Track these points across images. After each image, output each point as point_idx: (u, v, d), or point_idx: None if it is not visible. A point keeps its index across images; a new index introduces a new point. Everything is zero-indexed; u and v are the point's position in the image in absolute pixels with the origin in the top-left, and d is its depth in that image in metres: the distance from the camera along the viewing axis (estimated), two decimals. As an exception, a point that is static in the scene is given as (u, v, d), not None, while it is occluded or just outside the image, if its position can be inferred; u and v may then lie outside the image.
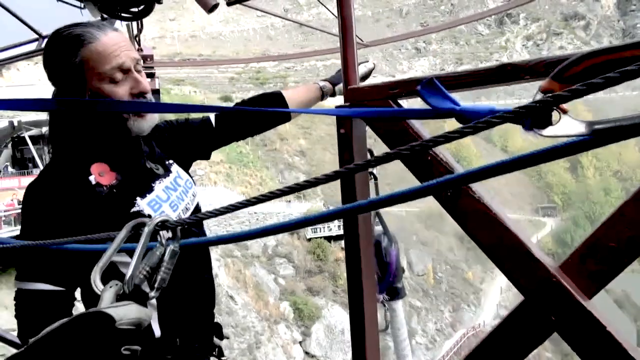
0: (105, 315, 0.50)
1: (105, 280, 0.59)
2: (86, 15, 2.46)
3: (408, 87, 1.18)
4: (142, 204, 1.19)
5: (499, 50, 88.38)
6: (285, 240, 31.80)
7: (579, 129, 0.44)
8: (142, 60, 1.27)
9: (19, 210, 18.91)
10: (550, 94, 0.39)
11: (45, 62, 1.17)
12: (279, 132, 51.98)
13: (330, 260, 31.65)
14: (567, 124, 0.45)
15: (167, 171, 1.31)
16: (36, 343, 0.48)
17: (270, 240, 31.05)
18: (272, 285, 28.57)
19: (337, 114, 1.06)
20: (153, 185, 1.24)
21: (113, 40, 1.14)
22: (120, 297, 0.56)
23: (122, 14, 2.39)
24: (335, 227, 32.89)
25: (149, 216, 1.17)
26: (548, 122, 0.44)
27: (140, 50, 2.51)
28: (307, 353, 26.95)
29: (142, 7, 2.42)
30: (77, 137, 1.19)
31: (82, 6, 2.32)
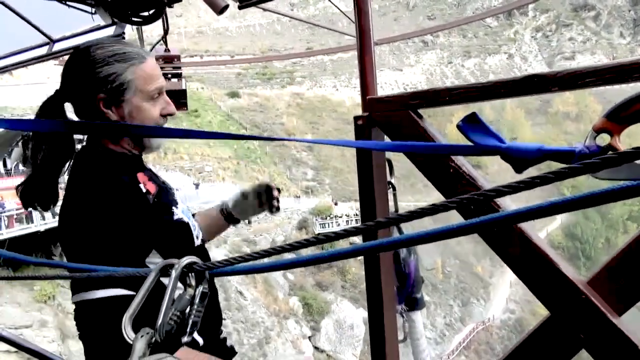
0: (141, 372, 0.48)
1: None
2: (97, 20, 2.45)
3: (429, 97, 1.15)
4: (179, 213, 1.25)
5: (507, 43, 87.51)
6: (294, 235, 31.85)
7: (637, 172, 0.41)
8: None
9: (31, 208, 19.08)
10: (615, 153, 0.36)
11: (81, 70, 1.17)
12: (287, 127, 51.97)
13: (338, 255, 31.67)
14: (626, 167, 0.42)
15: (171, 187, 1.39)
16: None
17: (279, 236, 31.13)
18: (281, 281, 28.67)
19: (366, 147, 1.03)
20: (175, 197, 1.31)
21: (155, 64, 1.26)
22: (152, 346, 0.55)
23: (133, 19, 2.38)
24: (343, 223, 32.90)
25: (188, 225, 1.26)
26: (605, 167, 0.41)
27: (167, 50, 2.53)
28: (316, 348, 27.06)
29: (152, 11, 2.41)
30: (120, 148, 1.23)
31: (93, 11, 2.31)
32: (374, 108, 1.22)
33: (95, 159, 1.18)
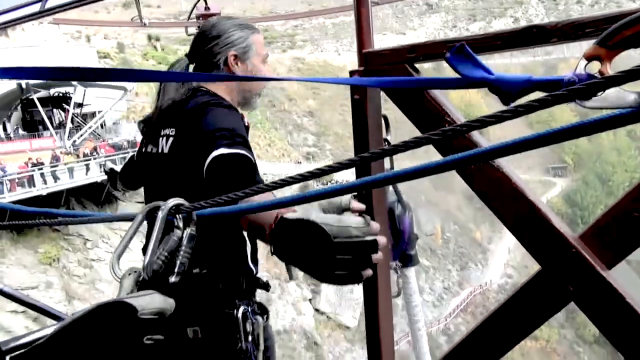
0: (127, 305, 0.49)
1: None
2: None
3: (426, 50, 1.13)
4: None
5: (513, 6, 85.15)
6: (295, 201, 31.98)
7: (627, 100, 0.41)
8: None
9: (32, 173, 19.11)
10: (602, 77, 0.36)
11: (217, 35, 1.48)
12: (288, 93, 51.37)
13: (339, 219, 31.99)
14: (614, 95, 0.41)
15: None
16: (57, 333, 0.47)
17: (280, 201, 31.28)
18: (282, 245, 29.00)
19: (352, 83, 1.02)
20: None
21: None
22: (140, 284, 0.56)
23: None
24: (344, 188, 32.92)
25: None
26: (592, 93, 0.40)
27: (207, 8, 2.56)
28: (316, 310, 27.68)
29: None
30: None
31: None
32: (370, 62, 1.20)
33: (218, 98, 1.43)
